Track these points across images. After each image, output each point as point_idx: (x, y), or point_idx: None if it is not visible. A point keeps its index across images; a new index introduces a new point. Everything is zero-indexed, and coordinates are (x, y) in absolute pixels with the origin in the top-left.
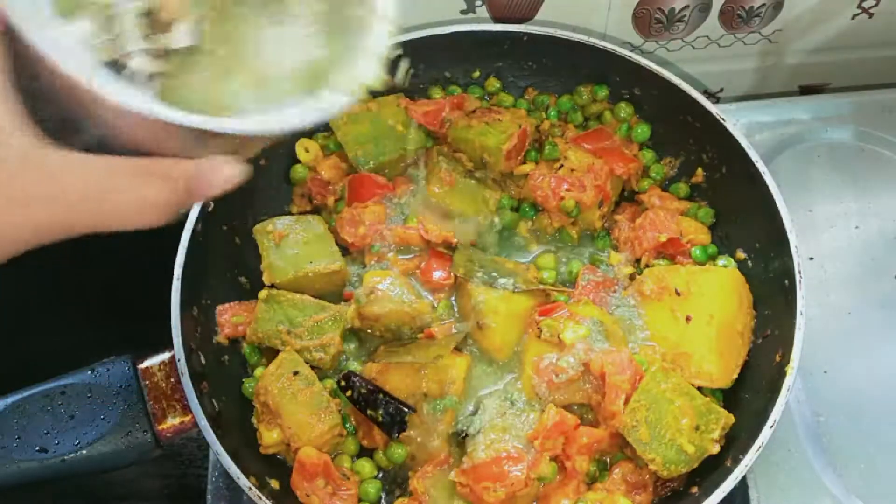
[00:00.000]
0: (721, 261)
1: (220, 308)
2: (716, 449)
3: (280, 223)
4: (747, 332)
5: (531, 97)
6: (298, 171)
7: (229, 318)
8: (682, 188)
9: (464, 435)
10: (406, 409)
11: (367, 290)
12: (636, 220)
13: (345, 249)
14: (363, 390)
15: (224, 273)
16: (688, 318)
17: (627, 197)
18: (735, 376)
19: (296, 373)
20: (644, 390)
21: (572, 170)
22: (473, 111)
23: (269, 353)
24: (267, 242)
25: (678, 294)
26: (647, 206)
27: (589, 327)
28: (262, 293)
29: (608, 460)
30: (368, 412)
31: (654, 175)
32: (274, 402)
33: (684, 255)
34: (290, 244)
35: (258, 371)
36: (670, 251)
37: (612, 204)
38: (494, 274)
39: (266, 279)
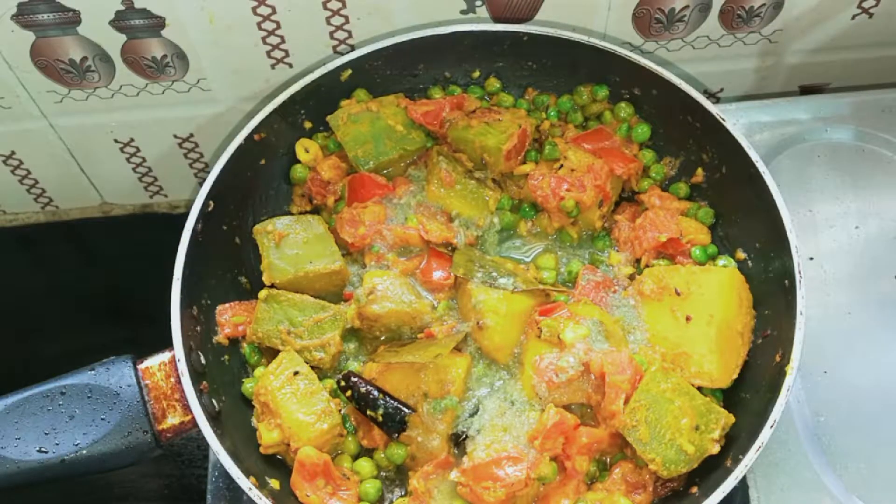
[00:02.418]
0: (721, 261)
1: (219, 308)
2: (716, 449)
3: (280, 223)
4: (747, 332)
5: (531, 97)
6: (298, 171)
7: (229, 317)
8: (682, 188)
9: (464, 436)
10: (406, 410)
11: (367, 290)
12: (636, 220)
13: (345, 249)
14: (363, 390)
15: (224, 273)
16: (688, 318)
17: (627, 197)
18: (735, 376)
19: (296, 373)
20: (644, 390)
21: (572, 170)
22: (473, 111)
23: (269, 353)
24: (267, 242)
25: (678, 294)
26: (647, 206)
27: (589, 327)
28: (262, 293)
29: (608, 460)
30: (368, 412)
31: (654, 175)
32: (274, 402)
33: (684, 255)
34: (290, 244)
35: (258, 371)
36: (670, 251)
37: (612, 204)
38: (494, 274)
39: (266, 279)
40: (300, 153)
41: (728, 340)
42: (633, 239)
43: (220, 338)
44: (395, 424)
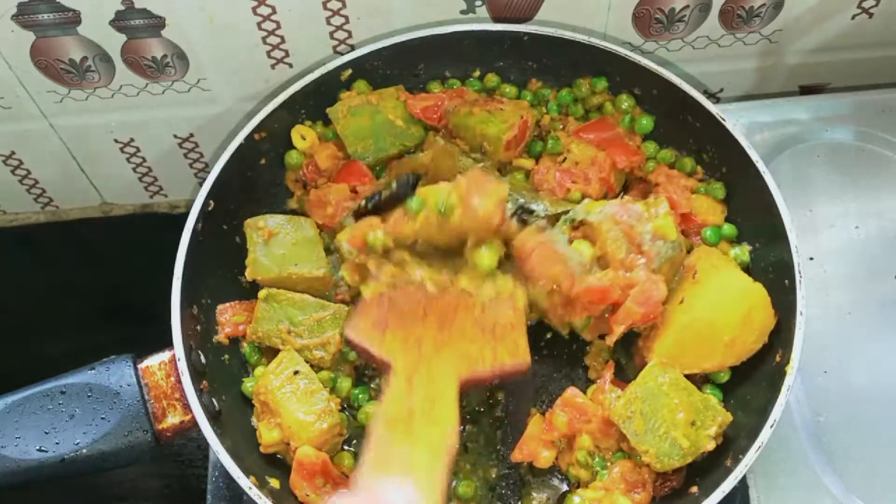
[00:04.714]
0: (735, 249)
1: (220, 307)
2: (711, 445)
3: (272, 221)
4: (738, 348)
5: (535, 88)
6: (294, 157)
7: (230, 317)
8: (688, 163)
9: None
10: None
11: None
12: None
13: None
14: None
15: (224, 272)
16: (681, 301)
17: (636, 177)
18: (688, 372)
19: (296, 372)
20: (641, 384)
21: (576, 163)
22: (476, 99)
23: (269, 353)
24: (256, 238)
25: (693, 278)
26: (656, 183)
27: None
28: (262, 293)
29: (608, 459)
30: (383, 199)
31: (660, 158)
32: (274, 401)
33: (697, 235)
34: (279, 243)
35: (258, 370)
36: (683, 227)
37: (616, 195)
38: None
39: (249, 274)
40: (296, 140)
41: (699, 338)
42: None
43: (221, 337)
44: (408, 189)
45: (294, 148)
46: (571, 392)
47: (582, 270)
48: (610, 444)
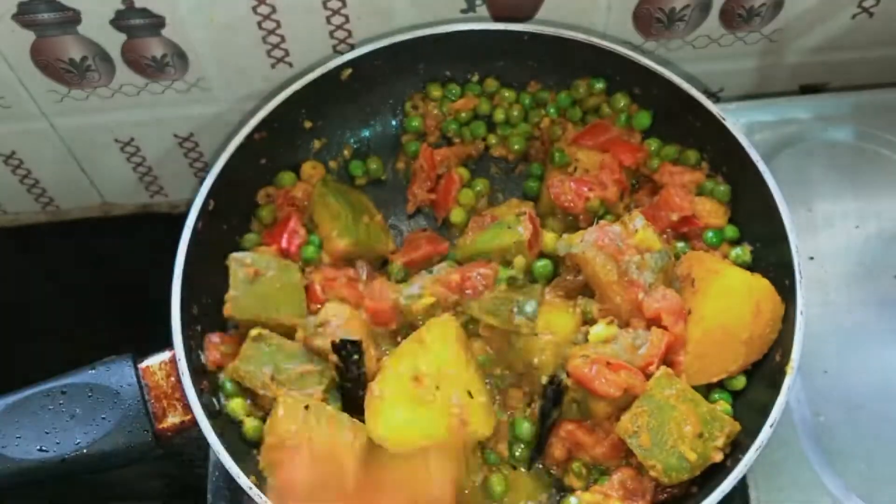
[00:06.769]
0: (736, 249)
1: (210, 336)
2: (719, 457)
3: (260, 261)
4: (758, 342)
5: (534, 90)
6: (286, 179)
7: (218, 343)
8: (692, 156)
9: None
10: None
11: (319, 321)
12: (654, 198)
13: None
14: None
15: (225, 272)
16: (689, 313)
17: (643, 176)
18: (716, 379)
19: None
20: (647, 397)
21: (587, 170)
22: (469, 221)
23: (247, 392)
24: (240, 274)
25: (692, 286)
26: (661, 183)
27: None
28: (254, 332)
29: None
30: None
31: (663, 155)
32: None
33: (699, 239)
34: (264, 284)
35: (234, 403)
36: (684, 229)
37: (629, 193)
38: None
39: (226, 311)
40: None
41: (717, 345)
42: (652, 218)
43: (207, 363)
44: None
45: (295, 167)
46: (569, 427)
47: (632, 349)
48: (616, 462)
